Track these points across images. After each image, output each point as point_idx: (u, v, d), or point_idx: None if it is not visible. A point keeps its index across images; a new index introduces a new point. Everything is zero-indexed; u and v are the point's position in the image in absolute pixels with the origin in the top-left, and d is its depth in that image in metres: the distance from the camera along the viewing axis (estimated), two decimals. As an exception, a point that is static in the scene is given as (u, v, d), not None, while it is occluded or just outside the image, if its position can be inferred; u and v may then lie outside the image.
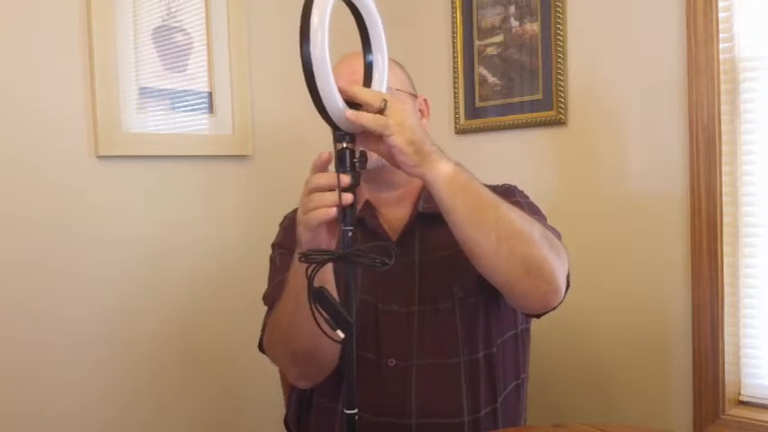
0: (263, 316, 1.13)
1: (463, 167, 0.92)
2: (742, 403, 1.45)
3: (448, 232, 1.14)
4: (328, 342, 0.86)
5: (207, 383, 1.65)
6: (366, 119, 0.82)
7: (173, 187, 1.60)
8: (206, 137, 1.64)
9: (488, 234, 0.92)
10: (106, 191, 1.49)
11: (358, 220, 0.98)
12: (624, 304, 1.58)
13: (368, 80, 0.88)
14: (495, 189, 1.17)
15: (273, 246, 1.23)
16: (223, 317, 1.66)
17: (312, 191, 0.86)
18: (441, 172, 0.89)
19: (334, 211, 0.84)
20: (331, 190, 0.84)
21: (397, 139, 0.84)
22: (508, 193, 1.18)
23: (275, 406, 1.21)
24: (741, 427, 1.41)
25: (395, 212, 1.16)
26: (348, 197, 0.83)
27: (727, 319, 1.44)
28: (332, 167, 0.86)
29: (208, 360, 1.65)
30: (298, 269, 0.92)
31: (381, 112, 0.84)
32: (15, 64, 1.37)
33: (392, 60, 1.21)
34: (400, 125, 0.84)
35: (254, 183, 1.71)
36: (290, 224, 1.21)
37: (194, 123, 1.63)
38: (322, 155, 0.86)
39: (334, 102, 0.80)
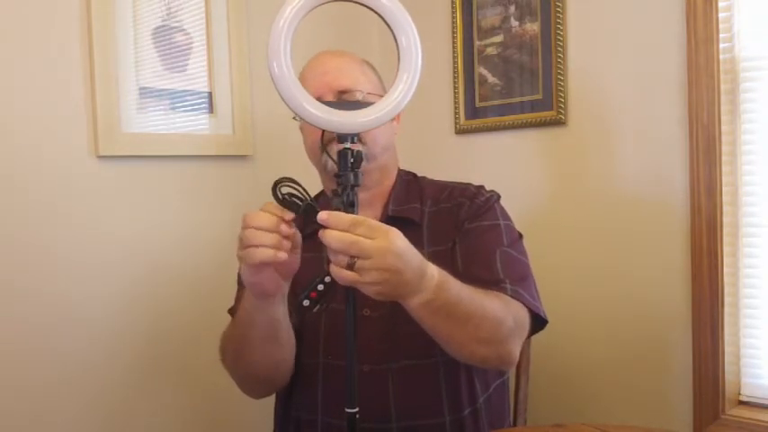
0: None
1: (444, 285, 0.90)
2: (742, 403, 1.45)
3: (419, 235, 1.14)
4: (281, 375, 0.91)
5: (206, 382, 1.65)
6: (347, 277, 0.80)
7: (173, 187, 1.60)
8: (206, 137, 1.64)
9: (453, 343, 0.97)
10: (106, 191, 1.49)
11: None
12: (624, 304, 1.58)
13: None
14: (476, 197, 1.17)
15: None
16: (223, 316, 1.66)
17: (249, 227, 0.85)
18: (411, 304, 0.89)
19: (272, 253, 0.83)
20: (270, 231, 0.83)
21: (371, 290, 0.83)
22: (488, 209, 1.15)
23: (267, 402, 1.23)
24: (741, 427, 1.41)
25: (365, 214, 1.13)
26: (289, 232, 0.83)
27: (728, 319, 1.44)
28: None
29: (207, 359, 1.65)
30: (253, 303, 0.93)
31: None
32: (15, 64, 1.37)
33: (364, 62, 1.21)
34: (381, 280, 0.82)
35: (254, 183, 1.71)
36: None
37: (194, 123, 1.63)
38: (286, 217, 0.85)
39: (310, 115, 0.82)
